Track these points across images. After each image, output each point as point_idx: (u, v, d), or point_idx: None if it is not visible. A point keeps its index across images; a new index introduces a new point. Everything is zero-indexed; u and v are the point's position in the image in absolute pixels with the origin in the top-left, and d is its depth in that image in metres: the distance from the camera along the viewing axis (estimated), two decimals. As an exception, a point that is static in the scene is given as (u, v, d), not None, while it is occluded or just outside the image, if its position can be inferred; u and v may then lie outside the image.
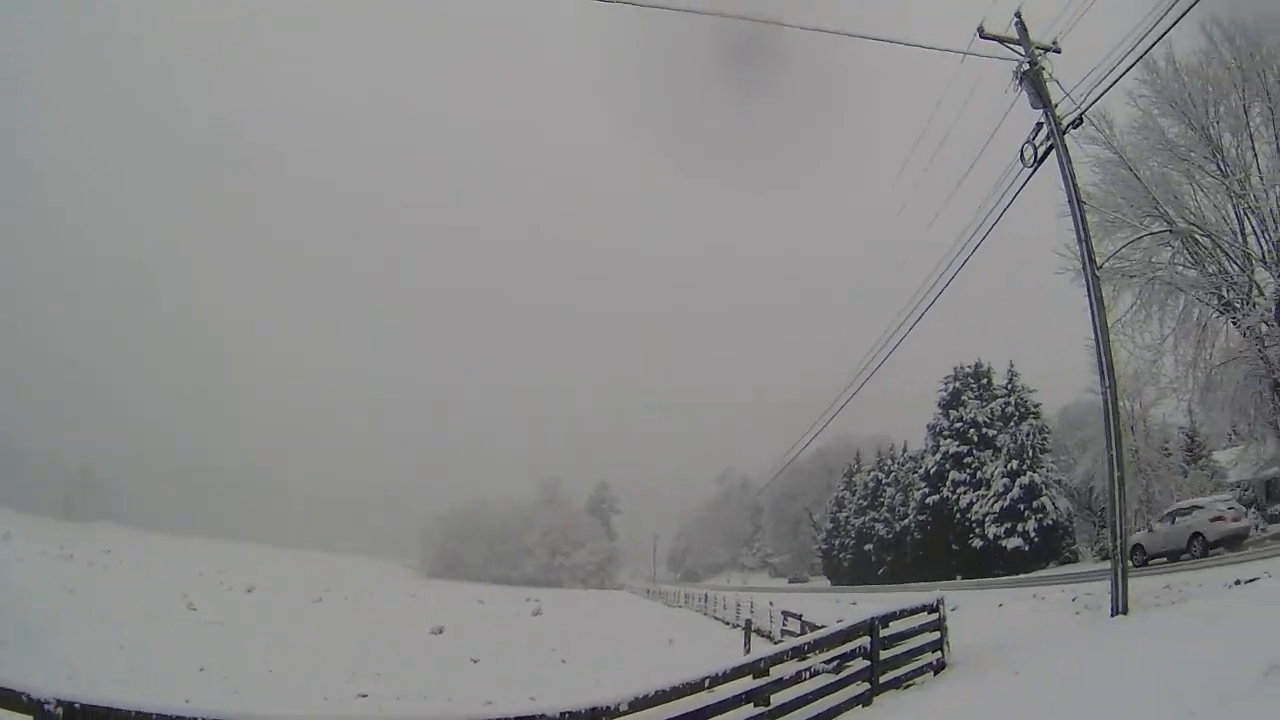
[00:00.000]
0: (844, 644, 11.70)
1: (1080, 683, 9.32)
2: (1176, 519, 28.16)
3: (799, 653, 11.12)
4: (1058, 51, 16.38)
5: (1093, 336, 15.84)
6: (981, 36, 16.14)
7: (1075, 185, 16.13)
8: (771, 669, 10.29)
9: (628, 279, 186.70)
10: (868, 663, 11.76)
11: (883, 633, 12.20)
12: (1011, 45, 16.24)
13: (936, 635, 13.28)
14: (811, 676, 10.85)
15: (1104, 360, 15.40)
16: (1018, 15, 16.25)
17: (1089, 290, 15.86)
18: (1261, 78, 28.99)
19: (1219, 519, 26.41)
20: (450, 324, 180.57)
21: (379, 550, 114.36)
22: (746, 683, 9.88)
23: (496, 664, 24.58)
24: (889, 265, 25.75)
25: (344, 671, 21.62)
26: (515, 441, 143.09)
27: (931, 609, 13.41)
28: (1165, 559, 27.24)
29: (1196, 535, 26.65)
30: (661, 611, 50.68)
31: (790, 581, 74.91)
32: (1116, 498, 14.73)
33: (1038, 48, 16.22)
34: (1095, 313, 15.56)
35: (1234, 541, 25.95)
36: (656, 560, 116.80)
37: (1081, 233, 16.23)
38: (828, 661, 11.37)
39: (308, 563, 78.21)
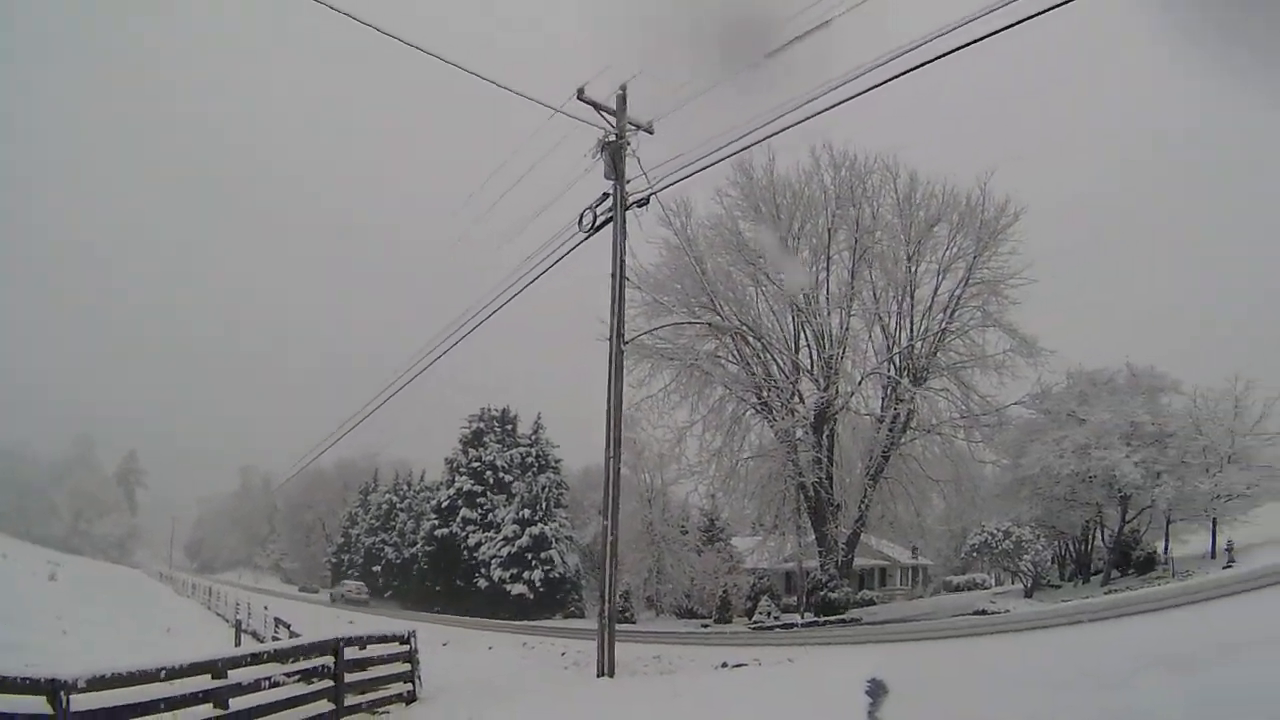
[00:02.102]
0: (305, 659, 11.40)
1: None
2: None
3: (258, 659, 10.92)
4: (650, 132, 16.22)
5: (606, 405, 15.98)
6: (579, 98, 15.72)
7: (623, 260, 16.17)
8: (230, 671, 10.03)
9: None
10: (332, 683, 11.51)
11: (351, 655, 12.14)
12: (606, 114, 15.96)
13: (408, 667, 13.35)
14: (272, 686, 10.55)
15: (612, 431, 15.71)
16: (622, 88, 16.06)
17: (610, 361, 15.99)
18: (856, 209, 32.23)
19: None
20: None
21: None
22: (204, 681, 9.61)
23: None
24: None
25: None
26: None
27: (404, 640, 13.56)
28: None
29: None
30: (169, 598, 47.49)
31: (301, 590, 71.13)
32: (608, 564, 15.29)
33: (631, 123, 16.03)
34: (612, 383, 15.81)
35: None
36: (175, 545, 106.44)
37: (616, 305, 16.21)
38: (291, 675, 11.02)
39: None
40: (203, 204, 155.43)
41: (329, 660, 11.59)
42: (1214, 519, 28.38)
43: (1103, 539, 32.16)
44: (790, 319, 32.52)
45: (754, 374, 32.51)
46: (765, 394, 32.47)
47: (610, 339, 16.04)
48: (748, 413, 33.21)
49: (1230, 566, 24.86)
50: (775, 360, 32.57)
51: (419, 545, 50.11)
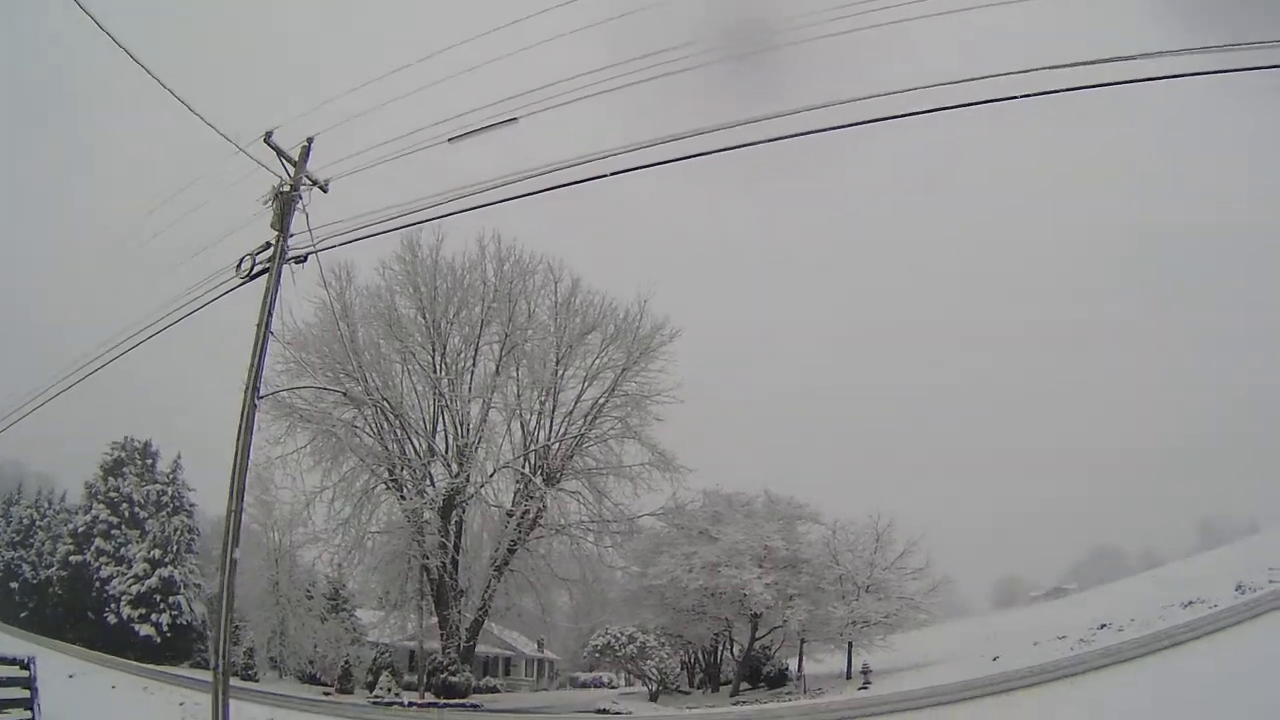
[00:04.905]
0: None
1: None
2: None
3: None
4: (324, 190, 16.11)
5: (232, 455, 15.51)
6: (266, 141, 15.35)
7: (270, 313, 15.65)
8: None
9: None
10: None
11: None
12: (287, 162, 15.66)
13: (27, 694, 12.91)
14: None
15: (236, 482, 15.31)
16: (308, 141, 15.86)
17: (242, 412, 15.53)
18: (513, 304, 32.51)
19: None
20: None
21: None
22: None
23: None
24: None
25: None
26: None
27: (24, 665, 13.17)
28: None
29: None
30: None
31: None
32: (224, 619, 15.03)
33: (308, 178, 15.83)
34: (240, 435, 15.36)
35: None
36: None
37: (257, 358, 15.71)
38: None
39: None
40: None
41: None
42: (849, 642, 29.13)
43: (732, 652, 32.80)
44: (431, 401, 32.46)
45: (389, 450, 32.10)
46: (398, 471, 32.10)
47: (246, 390, 15.49)
48: (379, 487, 32.69)
49: (866, 688, 25.32)
50: (411, 440, 32.36)
51: (54, 569, 46.29)
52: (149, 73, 13.58)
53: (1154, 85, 10.09)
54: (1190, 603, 24.12)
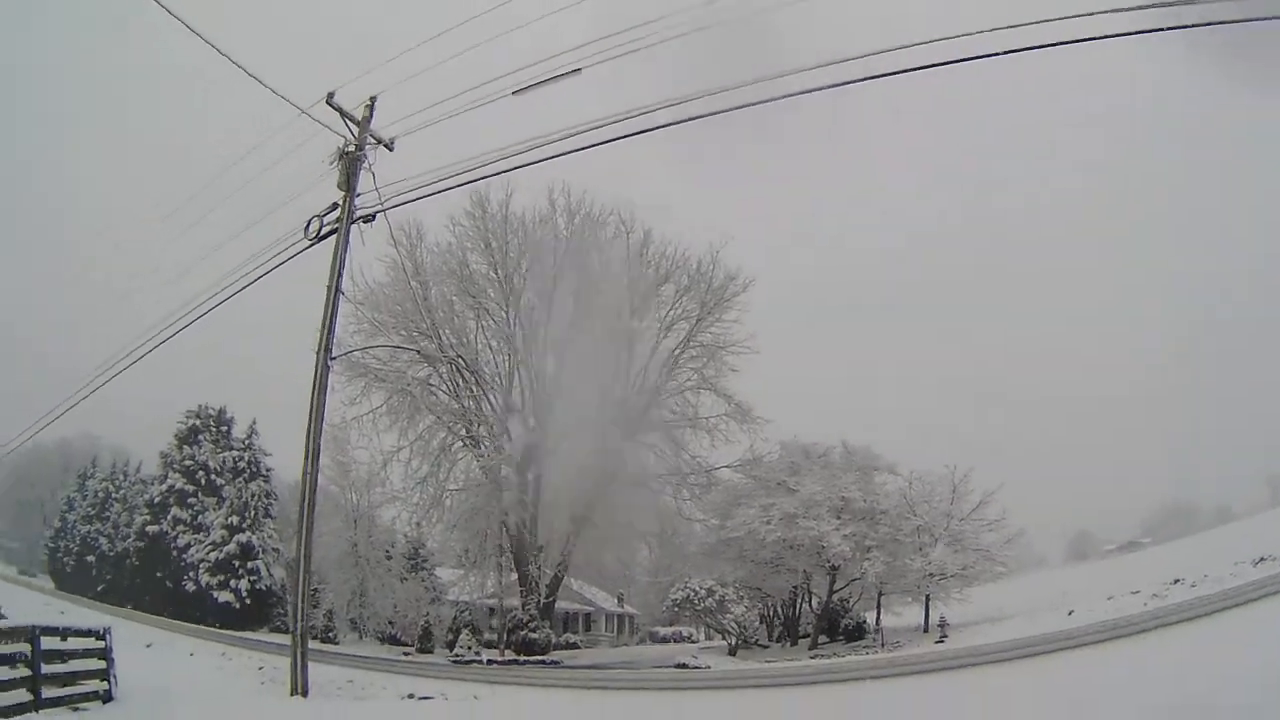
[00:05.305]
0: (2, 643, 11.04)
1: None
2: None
3: None
4: (389, 148, 16.04)
5: (308, 418, 15.85)
6: (328, 103, 15.39)
7: (341, 274, 15.92)
8: None
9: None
10: (30, 671, 11.07)
11: (51, 645, 11.82)
12: (351, 123, 15.70)
13: (103, 665, 13.04)
14: None
15: (311, 443, 15.69)
16: (372, 100, 15.83)
17: (315, 374, 15.83)
18: (585, 257, 32.19)
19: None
20: None
21: None
22: None
23: None
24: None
25: None
26: None
27: (99, 636, 13.33)
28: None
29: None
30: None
31: (20, 573, 65.02)
32: (301, 583, 15.43)
33: (373, 137, 15.80)
34: (315, 396, 15.73)
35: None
36: None
37: (329, 319, 16.01)
38: None
39: None
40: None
41: (25, 648, 11.19)
42: (926, 595, 28.77)
43: (810, 605, 32.54)
44: (507, 357, 32.30)
45: (465, 407, 32.01)
46: (475, 428, 32.02)
47: (318, 351, 15.80)
48: (456, 444, 32.66)
49: (943, 641, 25.14)
50: (487, 396, 32.20)
51: (131, 540, 47.18)
52: (208, 42, 13.61)
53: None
54: (1261, 559, 23.66)
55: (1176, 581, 24.25)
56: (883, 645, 27.20)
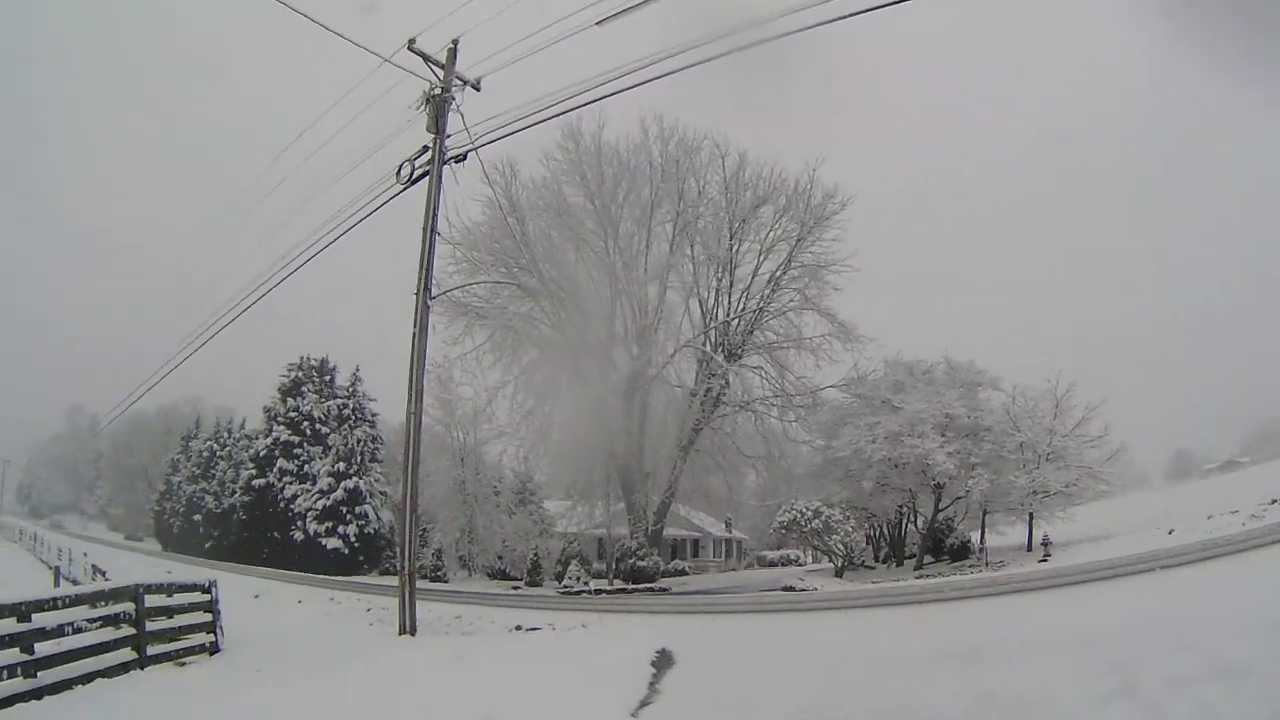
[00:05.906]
0: (106, 605, 11.03)
1: (333, 687, 9.96)
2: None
3: (59, 604, 10.42)
4: (477, 89, 15.95)
5: (410, 359, 16.05)
6: (410, 49, 15.39)
7: (435, 214, 15.96)
8: (34, 615, 9.63)
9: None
10: (134, 630, 11.13)
11: (155, 603, 11.87)
12: (434, 67, 15.67)
13: (209, 617, 13.15)
14: (76, 632, 10.22)
15: (414, 384, 15.82)
16: (454, 42, 15.80)
17: (416, 314, 16.00)
18: (682, 183, 31.78)
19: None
20: None
21: None
22: (10, 625, 9.27)
23: None
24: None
25: None
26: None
27: (205, 589, 13.44)
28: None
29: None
30: (-2, 544, 46.06)
31: (127, 538, 67.98)
32: (408, 519, 15.55)
33: (458, 78, 15.77)
34: (416, 337, 15.89)
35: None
36: (6, 489, 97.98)
37: (426, 259, 16.10)
38: (94, 620, 10.66)
39: None
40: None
41: (129, 607, 11.20)
42: (1030, 513, 28.52)
43: (916, 524, 32.44)
44: (608, 286, 32.07)
45: (568, 338, 31.98)
46: (578, 360, 31.98)
47: (418, 293, 15.91)
48: (560, 377, 32.68)
49: (1046, 560, 24.69)
50: (590, 327, 32.08)
51: (237, 495, 48.22)
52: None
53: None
54: (1361, 479, 22.98)
55: (1275, 502, 23.84)
56: (987, 564, 27.03)
